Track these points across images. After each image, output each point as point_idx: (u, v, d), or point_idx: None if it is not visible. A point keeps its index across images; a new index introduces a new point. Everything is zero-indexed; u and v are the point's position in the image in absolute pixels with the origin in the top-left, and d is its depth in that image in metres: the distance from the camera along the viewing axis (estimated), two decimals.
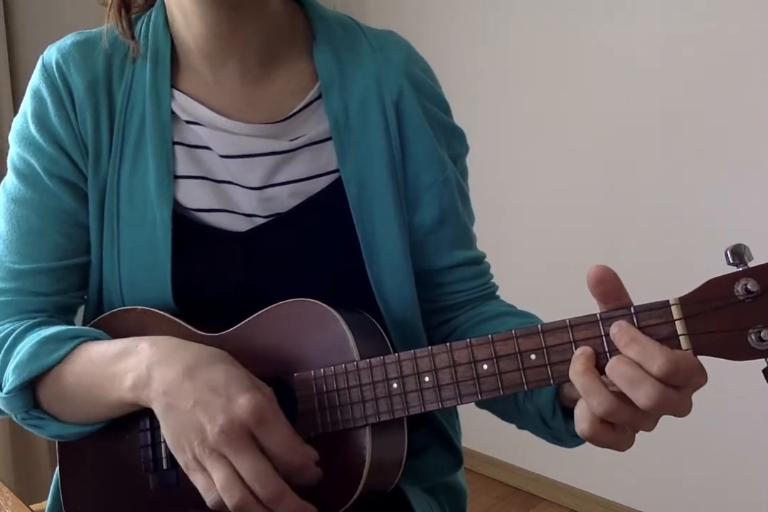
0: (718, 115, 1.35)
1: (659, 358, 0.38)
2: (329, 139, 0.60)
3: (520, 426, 0.57)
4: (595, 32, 1.51)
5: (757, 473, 1.38)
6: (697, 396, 0.41)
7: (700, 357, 0.40)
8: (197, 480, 0.46)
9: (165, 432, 0.48)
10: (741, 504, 1.41)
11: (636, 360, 0.39)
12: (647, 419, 0.41)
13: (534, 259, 1.68)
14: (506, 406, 0.57)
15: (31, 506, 0.60)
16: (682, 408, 0.40)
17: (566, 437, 0.52)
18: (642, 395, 0.39)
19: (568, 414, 0.51)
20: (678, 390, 0.39)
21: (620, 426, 0.42)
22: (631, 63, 1.45)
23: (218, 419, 0.44)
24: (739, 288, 0.38)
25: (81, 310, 0.65)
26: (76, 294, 0.62)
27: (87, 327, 0.58)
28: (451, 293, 0.64)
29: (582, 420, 0.42)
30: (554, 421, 0.51)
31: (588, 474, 1.62)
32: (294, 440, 0.46)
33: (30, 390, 0.55)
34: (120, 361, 0.51)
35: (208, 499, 0.46)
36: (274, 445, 0.45)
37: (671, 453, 1.46)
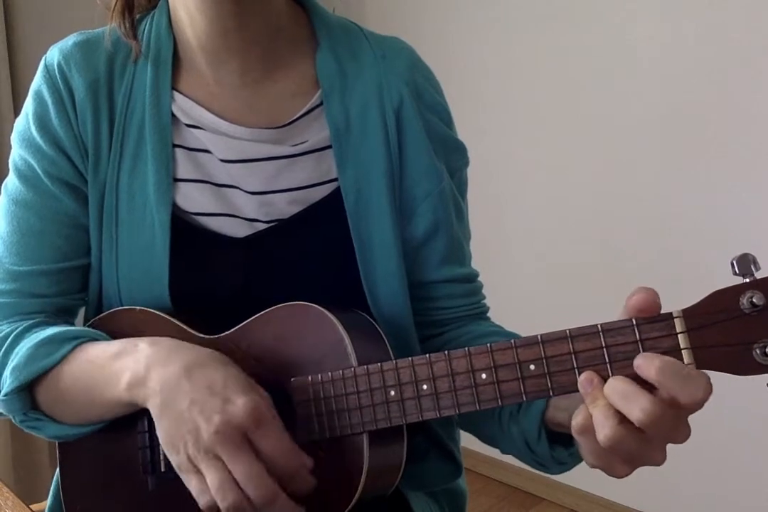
0: (720, 117, 1.34)
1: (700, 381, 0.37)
2: (330, 146, 0.59)
3: (505, 451, 0.56)
4: (596, 33, 1.50)
5: (756, 474, 1.38)
6: None
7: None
8: (191, 482, 0.46)
9: (159, 431, 0.47)
10: (740, 505, 1.41)
11: (673, 391, 0.37)
12: (652, 448, 0.39)
13: (533, 261, 1.68)
14: (491, 429, 0.56)
15: (31, 506, 0.60)
16: (680, 431, 0.39)
17: (551, 463, 0.51)
18: (636, 408, 0.37)
19: (553, 439, 0.50)
20: (676, 410, 0.38)
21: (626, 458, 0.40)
22: (631, 63, 1.44)
23: (214, 419, 0.44)
24: (744, 301, 0.37)
25: (82, 312, 0.64)
26: (77, 296, 0.62)
27: (85, 328, 0.57)
28: (439, 309, 0.64)
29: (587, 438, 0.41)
30: (539, 446, 0.50)
31: (588, 474, 1.61)
32: (289, 444, 0.46)
33: (28, 391, 0.55)
34: (118, 360, 0.50)
35: (201, 502, 0.45)
36: (269, 448, 0.45)
37: (671, 454, 1.45)
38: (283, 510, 0.45)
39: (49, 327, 0.56)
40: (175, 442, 0.46)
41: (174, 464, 0.47)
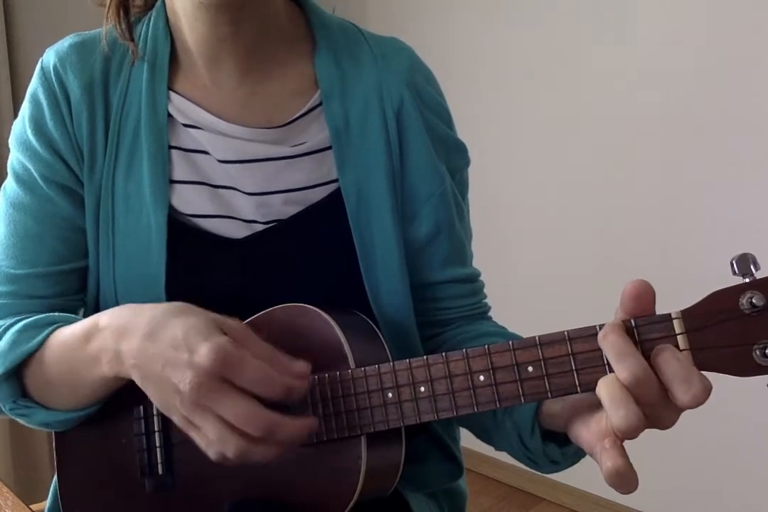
0: (720, 117, 1.33)
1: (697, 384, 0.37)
2: (330, 148, 0.59)
3: (498, 447, 0.56)
4: (596, 32, 1.49)
5: (756, 474, 1.37)
6: None
7: None
8: (195, 438, 0.46)
9: (152, 399, 0.48)
10: (740, 505, 1.40)
11: (670, 381, 0.37)
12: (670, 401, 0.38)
13: (531, 261, 1.67)
14: (485, 423, 0.56)
15: (31, 506, 0.60)
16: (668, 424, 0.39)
17: (543, 460, 0.51)
18: (621, 416, 0.37)
19: (547, 437, 0.50)
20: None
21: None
22: (632, 60, 1.44)
23: (186, 375, 0.44)
24: (744, 301, 0.37)
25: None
26: (74, 297, 0.62)
27: (65, 314, 0.57)
28: (441, 309, 0.63)
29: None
30: (532, 441, 0.50)
31: (588, 474, 1.60)
32: (267, 368, 0.45)
33: (16, 378, 0.55)
34: (89, 343, 0.51)
35: (210, 453, 0.46)
36: (249, 382, 0.44)
37: (671, 454, 1.45)
38: (294, 431, 0.45)
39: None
40: (166, 405, 0.46)
41: (176, 423, 0.47)
